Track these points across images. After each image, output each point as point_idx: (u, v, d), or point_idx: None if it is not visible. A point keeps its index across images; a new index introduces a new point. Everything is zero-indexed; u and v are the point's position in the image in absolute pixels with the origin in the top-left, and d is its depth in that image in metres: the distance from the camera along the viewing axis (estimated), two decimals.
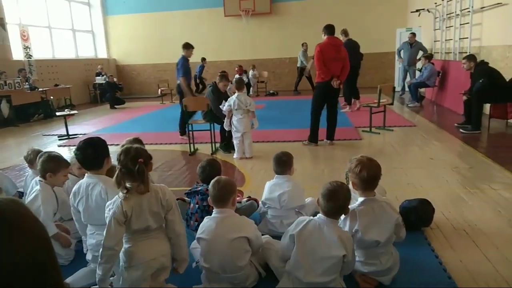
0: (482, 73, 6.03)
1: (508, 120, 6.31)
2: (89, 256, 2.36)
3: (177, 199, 3.01)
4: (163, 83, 13.62)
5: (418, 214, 2.87)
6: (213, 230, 2.13)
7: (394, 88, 7.47)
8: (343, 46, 5.60)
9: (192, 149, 5.61)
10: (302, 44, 12.34)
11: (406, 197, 3.15)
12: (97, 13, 15.27)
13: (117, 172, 1.98)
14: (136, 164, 1.95)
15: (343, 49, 5.54)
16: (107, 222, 1.99)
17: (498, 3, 6.91)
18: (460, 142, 5.53)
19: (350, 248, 2.02)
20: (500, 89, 5.90)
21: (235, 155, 5.22)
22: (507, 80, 6.08)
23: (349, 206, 2.20)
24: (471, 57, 6.46)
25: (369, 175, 2.14)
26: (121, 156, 1.99)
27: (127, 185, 1.97)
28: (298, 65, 12.86)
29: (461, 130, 6.12)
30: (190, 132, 5.53)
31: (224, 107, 5.08)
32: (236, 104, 5.01)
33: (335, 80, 5.33)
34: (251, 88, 13.17)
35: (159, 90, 12.65)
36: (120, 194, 1.99)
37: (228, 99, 5.10)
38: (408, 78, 10.49)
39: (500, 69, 6.30)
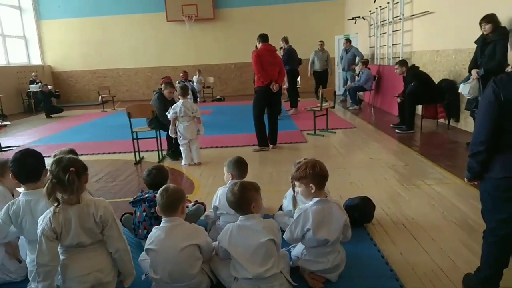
0: (414, 76, 6.49)
1: (438, 120, 6.84)
2: (30, 275, 2.22)
3: (125, 214, 2.95)
4: (104, 90, 13.09)
5: (360, 211, 3.02)
6: (162, 240, 2.09)
7: (335, 92, 7.81)
8: (276, 52, 5.83)
9: (138, 158, 5.44)
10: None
11: (349, 196, 3.30)
12: (30, 18, 14.33)
13: (47, 182, 1.90)
14: (67, 174, 1.88)
15: (277, 54, 5.84)
16: (38, 238, 1.90)
17: (426, 11, 7.49)
18: (396, 142, 5.90)
19: (277, 231, 2.16)
20: (430, 91, 6.39)
21: (183, 162, 5.15)
22: (436, 82, 6.60)
23: (302, 206, 2.32)
24: (402, 62, 6.93)
25: (322, 171, 2.26)
26: (53, 166, 1.91)
27: (58, 197, 1.89)
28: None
29: (396, 130, 6.53)
30: (135, 140, 5.36)
31: (170, 114, 4.99)
32: (182, 111, 4.95)
33: (274, 84, 5.49)
34: (197, 95, 13.03)
35: (100, 97, 12.13)
36: (51, 208, 1.91)
37: (173, 106, 5.03)
38: (348, 82, 11.00)
39: (429, 73, 6.83)
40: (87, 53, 14.74)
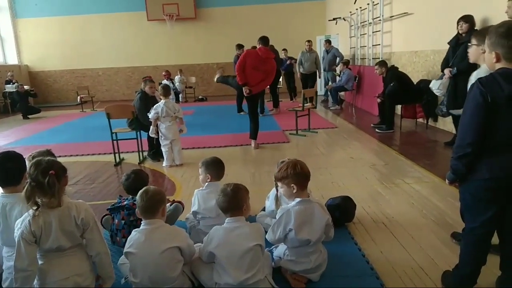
0: (393, 77, 6.59)
1: (417, 119, 6.97)
2: (5, 283, 2.15)
3: (105, 215, 2.89)
4: (83, 90, 12.82)
5: (341, 211, 3.04)
6: (142, 243, 2.05)
7: (316, 92, 7.87)
8: (271, 60, 5.63)
9: (118, 159, 5.35)
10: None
11: (330, 195, 3.33)
12: (5, 16, 13.94)
13: (26, 186, 1.85)
14: (46, 177, 1.83)
15: (270, 62, 5.59)
16: (16, 242, 1.84)
17: (405, 13, 7.62)
18: (376, 141, 5.98)
19: (263, 235, 2.16)
20: (409, 92, 6.50)
21: (164, 163, 5.10)
22: (415, 83, 6.72)
23: (285, 206, 2.33)
24: (382, 63, 7.03)
25: (303, 171, 2.27)
26: (31, 169, 1.86)
27: (38, 200, 1.85)
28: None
29: (377, 130, 6.62)
30: (115, 142, 5.27)
31: (151, 114, 4.93)
32: (163, 111, 4.89)
33: (246, 88, 5.46)
34: (180, 95, 12.93)
35: (79, 97, 11.89)
36: (30, 211, 1.86)
37: (155, 106, 4.97)
38: (329, 83, 11.10)
39: (408, 73, 6.95)
40: (66, 53, 14.44)
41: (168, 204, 3.02)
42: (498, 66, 1.83)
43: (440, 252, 2.60)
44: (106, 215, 2.85)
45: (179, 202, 3.06)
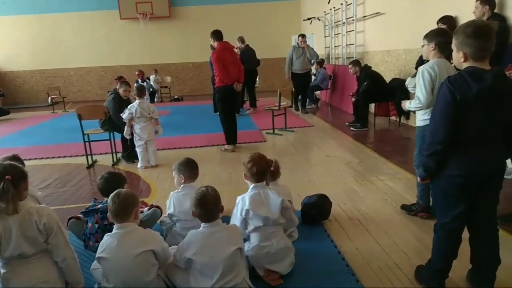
0: (366, 76, 6.71)
1: (390, 118, 7.12)
2: None
3: (71, 218, 2.80)
4: (54, 90, 12.44)
5: (317, 209, 3.08)
6: (114, 247, 2.00)
7: (292, 91, 7.90)
8: (234, 50, 5.79)
9: (90, 161, 5.22)
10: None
11: (307, 194, 3.34)
12: None
13: None
14: (1, 182, 1.78)
15: (235, 53, 5.78)
16: None
17: (377, 13, 7.76)
18: (351, 139, 6.07)
19: (241, 238, 2.20)
20: (382, 90, 6.63)
21: (139, 165, 5.00)
22: (387, 82, 6.86)
23: (242, 195, 2.43)
24: (356, 62, 7.14)
25: (258, 170, 2.39)
26: None
27: None
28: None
29: (351, 128, 6.72)
30: (87, 143, 5.13)
31: (125, 114, 4.83)
32: (138, 111, 4.81)
33: (237, 84, 5.42)
34: (155, 95, 12.74)
35: (49, 98, 11.53)
36: None
37: (129, 106, 4.87)
38: None
39: (381, 72, 7.09)
40: (35, 52, 13.97)
41: (146, 209, 2.97)
42: (466, 65, 1.88)
43: (413, 247, 2.66)
44: (72, 218, 2.75)
45: (157, 206, 3.01)
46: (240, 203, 2.40)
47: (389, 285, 2.25)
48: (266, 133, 6.76)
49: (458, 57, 1.91)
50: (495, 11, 4.21)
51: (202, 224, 2.11)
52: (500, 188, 2.01)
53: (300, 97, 8.99)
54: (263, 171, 2.43)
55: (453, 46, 1.93)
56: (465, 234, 2.09)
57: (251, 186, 2.43)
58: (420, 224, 3.00)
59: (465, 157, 1.89)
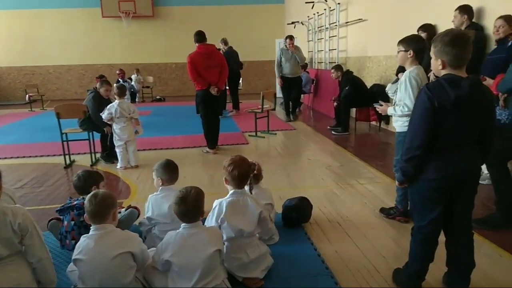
0: (348, 81, 6.80)
1: (371, 122, 7.23)
2: None
3: (52, 219, 2.73)
4: (32, 88, 12.15)
5: (298, 211, 3.09)
6: (91, 249, 1.95)
7: (275, 94, 7.94)
8: (216, 52, 5.54)
9: (68, 161, 5.11)
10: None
11: (288, 196, 3.36)
12: None
13: None
14: None
15: (217, 55, 5.48)
16: None
17: (359, 19, 7.88)
18: (332, 143, 6.13)
19: (221, 239, 2.17)
20: (363, 95, 6.72)
21: (118, 165, 4.92)
22: (368, 87, 6.96)
23: (220, 199, 2.37)
24: (338, 67, 7.22)
25: (240, 173, 2.32)
26: None
27: None
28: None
29: (333, 132, 6.79)
30: (65, 142, 5.02)
31: (104, 114, 4.74)
32: (117, 111, 4.73)
33: (213, 88, 5.33)
34: (137, 95, 12.58)
35: (27, 96, 11.24)
36: None
37: (109, 106, 4.79)
38: None
39: (362, 78, 7.20)
40: (13, 49, 13.63)
41: (123, 210, 2.92)
42: (444, 72, 1.92)
43: (391, 251, 2.70)
44: (52, 219, 2.69)
45: (135, 207, 2.97)
46: (217, 209, 2.30)
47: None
48: (249, 135, 6.76)
49: (436, 65, 1.95)
50: (473, 20, 4.34)
51: (182, 225, 2.09)
52: (475, 193, 2.07)
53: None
54: (245, 174, 2.36)
55: (432, 54, 1.98)
56: (442, 238, 2.14)
57: (231, 191, 2.35)
58: (398, 227, 3.05)
59: (442, 161, 1.94)
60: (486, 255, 2.57)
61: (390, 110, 2.91)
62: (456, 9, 4.34)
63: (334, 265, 2.52)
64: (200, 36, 5.36)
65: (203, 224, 2.26)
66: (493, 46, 3.93)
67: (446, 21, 4.63)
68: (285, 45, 8.13)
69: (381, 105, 3.06)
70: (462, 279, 2.10)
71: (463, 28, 4.31)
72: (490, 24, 4.24)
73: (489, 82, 3.25)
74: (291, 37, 8.11)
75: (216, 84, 5.34)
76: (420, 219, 2.10)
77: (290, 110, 8.44)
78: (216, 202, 2.36)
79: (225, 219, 2.25)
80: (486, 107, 1.91)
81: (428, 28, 5.02)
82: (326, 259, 2.58)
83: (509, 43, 3.52)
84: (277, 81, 8.31)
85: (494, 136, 2.02)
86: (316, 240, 2.87)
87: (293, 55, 8.01)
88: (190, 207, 2.05)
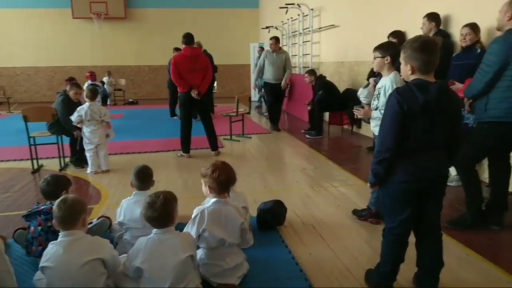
0: (321, 86, 6.90)
1: (343, 126, 7.36)
2: None
3: (18, 229, 2.63)
4: None
5: (273, 215, 3.10)
6: (60, 256, 1.89)
7: (250, 97, 7.95)
8: (201, 56, 5.54)
9: (36, 166, 4.93)
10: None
11: (263, 199, 3.36)
12: None
13: None
14: None
15: (201, 59, 5.46)
16: None
17: (332, 25, 8.03)
18: (306, 146, 6.19)
19: (194, 245, 2.13)
20: (336, 100, 6.84)
21: (88, 170, 4.79)
22: (341, 92, 7.09)
23: (201, 206, 2.32)
24: (311, 72, 7.31)
25: (226, 178, 2.28)
26: None
27: None
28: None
29: (307, 136, 6.87)
30: (32, 147, 4.84)
31: (74, 117, 4.61)
32: (88, 114, 4.61)
33: (194, 91, 5.30)
34: (108, 99, 12.31)
35: None
36: None
37: (78, 109, 4.65)
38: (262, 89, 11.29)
39: (335, 82, 7.31)
40: None
41: (94, 219, 2.85)
42: (413, 77, 1.99)
43: (363, 252, 2.75)
44: (18, 229, 2.59)
45: (107, 217, 2.90)
46: (199, 218, 2.24)
47: None
48: (224, 139, 6.74)
49: (406, 70, 2.01)
50: (441, 27, 4.50)
51: (154, 231, 2.05)
52: (443, 195, 2.13)
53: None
54: (230, 178, 2.31)
55: (401, 60, 2.04)
56: (412, 239, 2.19)
57: (213, 200, 2.30)
58: (370, 229, 3.11)
59: (411, 164, 1.99)
60: (453, 254, 2.65)
61: (375, 113, 2.89)
62: (424, 17, 4.50)
63: (308, 267, 2.54)
64: (187, 39, 5.37)
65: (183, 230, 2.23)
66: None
67: (415, 28, 4.79)
68: (270, 47, 7.46)
69: (363, 107, 3.08)
70: (431, 279, 2.16)
71: (431, 34, 4.46)
72: (456, 31, 4.43)
73: (458, 86, 3.37)
74: (276, 38, 7.47)
75: (198, 88, 5.32)
76: (390, 220, 2.14)
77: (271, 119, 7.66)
78: (197, 211, 2.29)
79: (207, 229, 2.20)
80: (453, 111, 1.98)
81: (398, 35, 5.17)
82: (301, 262, 2.60)
83: (478, 51, 3.66)
84: (252, 85, 7.77)
85: (462, 139, 2.10)
86: (290, 243, 2.88)
87: (278, 58, 7.34)
88: (159, 213, 2.00)
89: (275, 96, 7.57)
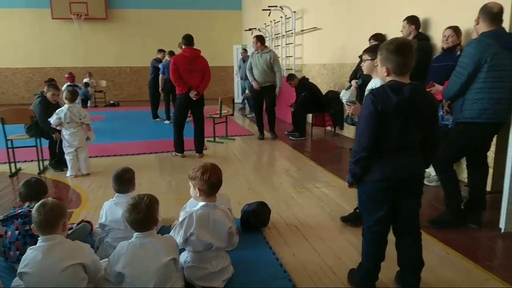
0: (304, 87, 6.95)
1: (326, 128, 7.42)
2: None
3: None
4: None
5: (257, 216, 3.10)
6: (39, 261, 1.84)
7: (233, 99, 7.94)
8: (200, 57, 5.51)
9: (14, 170, 4.80)
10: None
11: (247, 201, 3.35)
12: None
13: None
14: None
15: (200, 60, 5.47)
16: None
17: (314, 27, 8.10)
18: (290, 148, 6.22)
19: (176, 248, 2.10)
20: (318, 102, 6.90)
21: (68, 173, 4.69)
22: (323, 94, 7.16)
23: (189, 210, 2.30)
24: (291, 77, 7.24)
25: (217, 180, 2.28)
26: None
27: None
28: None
29: (290, 137, 6.90)
30: (10, 150, 4.72)
31: (53, 119, 4.51)
32: (67, 116, 4.52)
33: (193, 92, 5.29)
34: (89, 101, 12.10)
35: None
36: None
37: (58, 111, 4.56)
38: (246, 91, 11.29)
39: (317, 84, 7.38)
40: None
41: (75, 224, 2.80)
42: (389, 79, 2.04)
43: (346, 252, 2.77)
44: None
45: (87, 221, 2.85)
46: (187, 221, 2.21)
47: None
48: (207, 141, 6.68)
49: (382, 72, 2.06)
50: (420, 30, 4.59)
51: (135, 234, 2.02)
52: (421, 194, 2.17)
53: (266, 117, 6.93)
54: (221, 180, 2.31)
55: (378, 61, 2.08)
56: (393, 238, 2.22)
57: (201, 203, 2.28)
58: (353, 229, 3.13)
59: (387, 163, 2.04)
60: (434, 253, 2.70)
61: None
62: (404, 20, 4.58)
63: (291, 267, 2.54)
64: (186, 40, 5.42)
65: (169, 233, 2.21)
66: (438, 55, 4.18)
67: (395, 31, 4.87)
68: (254, 48, 6.76)
69: (354, 103, 3.09)
70: (413, 278, 2.19)
71: (410, 37, 4.55)
72: (435, 34, 4.53)
73: (438, 88, 3.45)
74: (260, 38, 6.69)
75: (196, 88, 5.32)
76: (368, 219, 2.18)
77: (269, 126, 6.95)
78: (185, 214, 2.27)
79: (194, 232, 2.18)
80: (428, 112, 2.02)
81: (379, 38, 5.26)
82: (284, 262, 2.60)
83: (458, 53, 3.75)
84: (254, 84, 6.72)
85: (438, 140, 2.15)
86: (274, 244, 2.88)
87: (262, 58, 6.57)
88: (144, 214, 1.98)
89: (261, 101, 6.81)
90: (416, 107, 1.95)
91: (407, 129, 1.98)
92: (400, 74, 1.98)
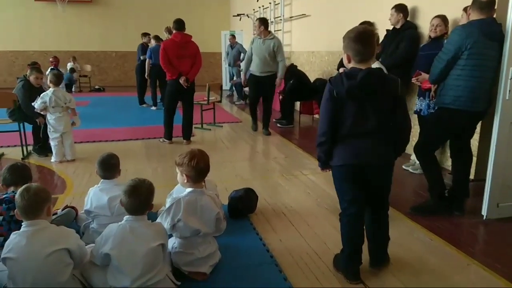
0: (292, 75, 6.93)
1: (314, 115, 7.44)
2: None
3: None
4: None
5: (244, 203, 3.11)
6: (23, 247, 1.81)
7: (221, 86, 7.88)
8: (191, 42, 5.40)
9: None
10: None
11: (234, 188, 3.36)
12: None
13: None
14: None
15: (191, 45, 5.35)
16: None
17: (303, 14, 8.05)
18: (278, 135, 6.23)
19: (165, 234, 2.10)
20: (306, 89, 6.90)
21: (53, 159, 4.62)
22: (312, 81, 7.15)
23: (176, 196, 2.30)
24: None
25: (204, 166, 2.28)
26: None
27: None
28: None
29: (278, 125, 6.91)
30: None
31: (37, 103, 4.41)
32: (52, 100, 4.42)
33: (182, 78, 5.20)
34: (73, 86, 11.86)
35: None
36: None
37: (42, 95, 4.46)
38: (234, 78, 11.22)
39: (306, 72, 7.36)
40: None
41: (59, 210, 2.77)
42: (350, 66, 2.09)
43: (332, 237, 2.80)
44: None
45: (72, 207, 2.82)
46: (174, 208, 2.19)
47: (309, 274, 2.35)
48: (195, 127, 6.64)
49: (344, 59, 2.12)
50: (408, 18, 4.60)
51: (125, 217, 2.00)
52: (388, 179, 2.22)
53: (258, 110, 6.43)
54: (208, 166, 2.30)
55: (342, 49, 2.12)
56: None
57: (189, 190, 2.26)
58: (338, 216, 3.17)
59: (344, 149, 2.10)
60: (418, 239, 2.76)
61: None
62: (392, 8, 4.58)
63: (278, 253, 2.57)
64: (177, 24, 5.29)
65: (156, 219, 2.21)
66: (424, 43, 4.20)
67: (383, 19, 4.88)
68: (256, 33, 6.05)
69: None
70: (381, 253, 2.32)
71: (398, 26, 4.56)
72: (423, 22, 4.54)
73: (424, 76, 3.47)
74: (262, 22, 5.91)
75: (187, 75, 5.24)
76: (342, 201, 2.25)
77: (263, 120, 6.31)
78: (172, 200, 2.25)
79: (182, 219, 2.17)
80: (385, 96, 2.03)
81: (371, 26, 5.25)
82: (271, 248, 2.63)
83: (445, 42, 3.77)
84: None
85: (405, 126, 2.16)
86: (261, 230, 2.90)
87: (264, 44, 5.83)
88: (143, 197, 1.97)
89: (259, 92, 6.16)
90: (367, 91, 1.98)
91: (363, 114, 2.02)
92: (360, 61, 2.03)
